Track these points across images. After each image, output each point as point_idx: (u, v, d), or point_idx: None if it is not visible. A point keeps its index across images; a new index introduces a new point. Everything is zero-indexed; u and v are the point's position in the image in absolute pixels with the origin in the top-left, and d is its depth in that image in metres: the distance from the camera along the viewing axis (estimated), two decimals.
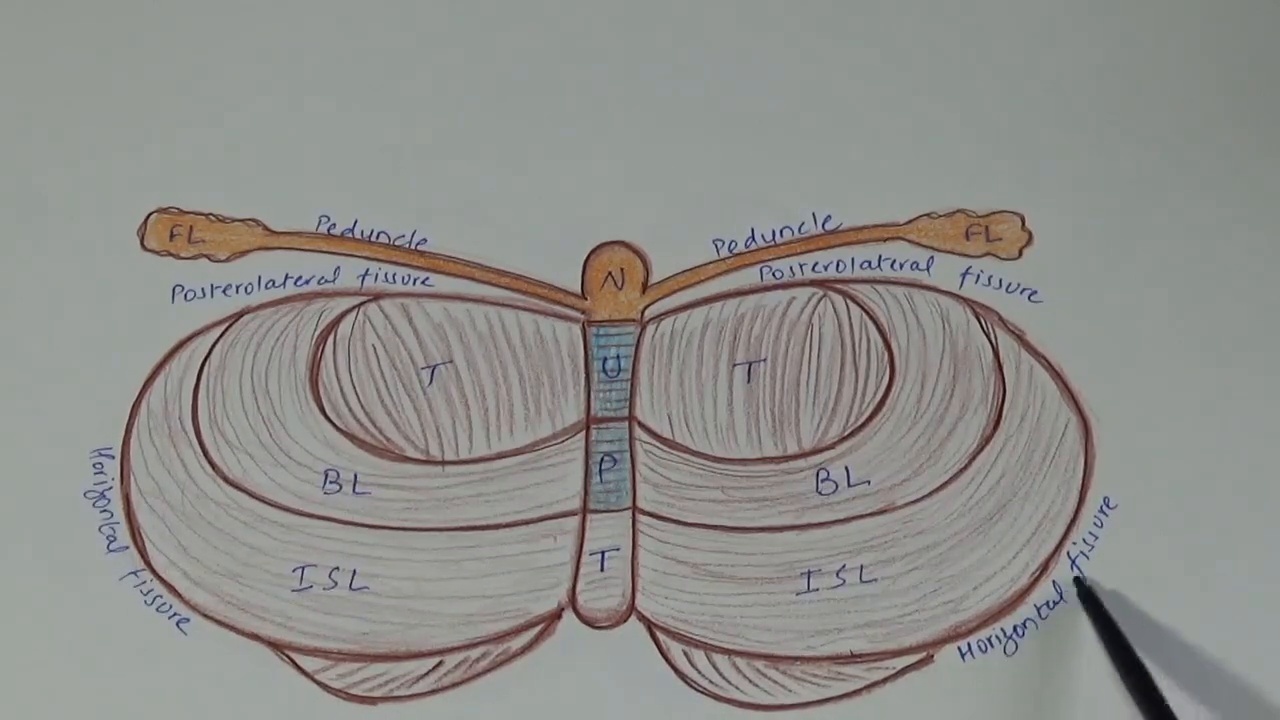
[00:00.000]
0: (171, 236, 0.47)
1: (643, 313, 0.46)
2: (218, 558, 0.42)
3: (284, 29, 0.52)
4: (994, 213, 0.47)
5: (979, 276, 0.46)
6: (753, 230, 0.47)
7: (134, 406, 0.44)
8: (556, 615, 0.41)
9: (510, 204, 0.48)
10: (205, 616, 0.41)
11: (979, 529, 0.42)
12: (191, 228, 0.47)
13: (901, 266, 0.46)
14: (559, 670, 0.40)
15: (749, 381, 0.44)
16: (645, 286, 0.46)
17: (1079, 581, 0.41)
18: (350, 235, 0.47)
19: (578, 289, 0.46)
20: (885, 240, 0.47)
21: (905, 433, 0.43)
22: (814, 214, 0.47)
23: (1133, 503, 0.42)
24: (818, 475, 0.43)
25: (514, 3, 0.52)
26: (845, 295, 0.46)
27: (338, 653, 0.40)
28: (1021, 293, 0.46)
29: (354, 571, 0.42)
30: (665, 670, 0.40)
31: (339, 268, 0.47)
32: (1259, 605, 0.40)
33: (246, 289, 0.46)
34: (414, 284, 0.46)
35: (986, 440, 0.43)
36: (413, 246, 0.47)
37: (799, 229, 0.47)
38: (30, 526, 0.42)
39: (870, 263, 0.46)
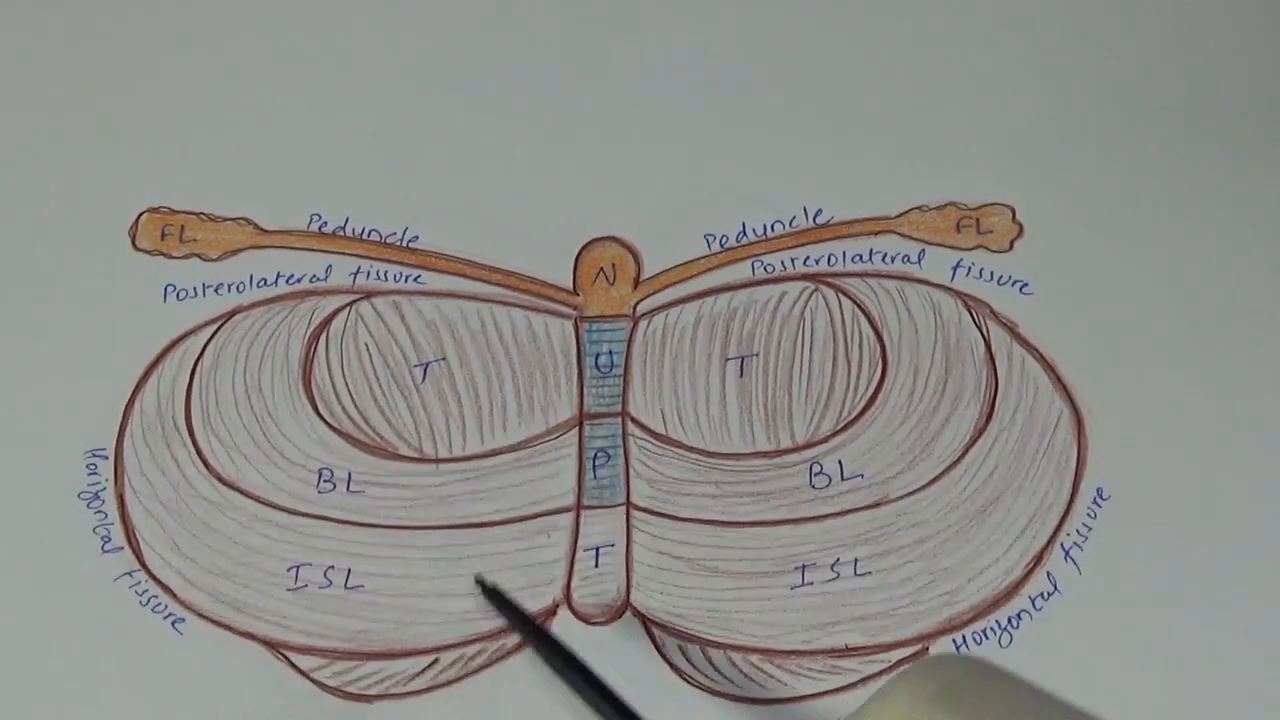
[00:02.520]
0: (163, 236, 0.47)
1: (634, 308, 0.46)
2: (212, 557, 0.42)
3: (275, 28, 0.52)
4: (985, 205, 0.47)
5: (970, 269, 0.46)
6: (744, 225, 0.47)
7: (127, 407, 0.44)
8: (551, 611, 0.41)
9: (501, 201, 0.48)
10: (201, 616, 0.41)
11: (973, 521, 0.42)
12: (183, 227, 0.47)
13: (893, 260, 0.46)
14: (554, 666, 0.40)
15: (741, 376, 0.44)
16: (637, 282, 0.46)
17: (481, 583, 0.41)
18: (341, 233, 0.47)
19: (569, 285, 0.46)
20: (876, 234, 0.47)
21: (898, 426, 0.43)
22: (805, 208, 0.47)
23: (1126, 494, 0.42)
24: (811, 469, 0.43)
25: (504, 1, 0.52)
26: (837, 289, 0.46)
27: (333, 651, 0.40)
28: (1013, 285, 0.46)
29: (349, 570, 0.42)
30: (661, 665, 0.40)
31: (330, 266, 0.47)
32: (1255, 597, 0.40)
33: (238, 288, 0.46)
34: (406, 281, 0.46)
35: (979, 433, 0.43)
36: (404, 244, 0.47)
37: (790, 223, 0.47)
38: (24, 528, 0.42)
39: (861, 256, 0.46)
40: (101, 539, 0.42)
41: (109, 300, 0.46)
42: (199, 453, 0.43)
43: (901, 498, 0.42)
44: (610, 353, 0.45)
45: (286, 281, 0.46)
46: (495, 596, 0.40)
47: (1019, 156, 0.48)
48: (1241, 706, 0.39)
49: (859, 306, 0.45)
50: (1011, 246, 0.46)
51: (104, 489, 0.43)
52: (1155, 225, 0.47)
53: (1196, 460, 0.43)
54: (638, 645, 0.41)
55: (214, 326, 0.45)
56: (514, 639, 0.40)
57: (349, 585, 0.41)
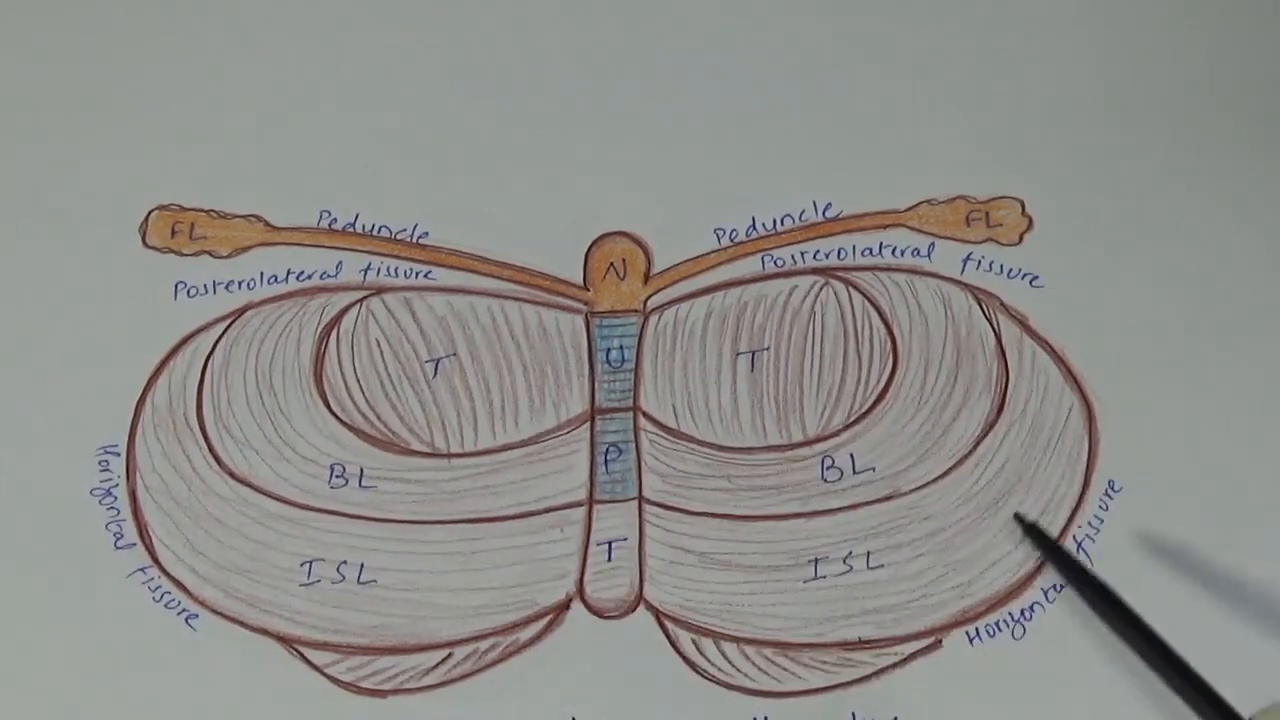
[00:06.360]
0: (173, 233, 0.47)
1: (645, 303, 0.46)
2: (225, 553, 0.42)
3: (284, 25, 0.52)
4: (994, 198, 0.47)
5: (980, 262, 0.46)
6: (754, 219, 0.47)
7: (139, 403, 0.44)
8: (565, 606, 0.41)
9: (511, 196, 0.48)
10: (214, 612, 0.41)
11: (984, 514, 0.42)
12: (193, 224, 0.47)
13: (903, 253, 0.46)
14: (568, 661, 0.40)
15: (752, 370, 0.44)
16: (647, 277, 0.46)
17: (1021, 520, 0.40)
18: (352, 230, 0.47)
19: (580, 280, 0.46)
20: (886, 227, 0.47)
21: (909, 419, 0.44)
22: (814, 202, 0.47)
23: (1137, 486, 0.42)
24: (823, 463, 0.43)
25: None
26: (847, 283, 0.46)
27: (347, 646, 0.41)
28: (1023, 278, 0.46)
29: (361, 565, 0.42)
30: (674, 659, 0.40)
31: (341, 262, 0.47)
32: (1264, 587, 0.40)
33: (249, 285, 0.46)
34: (416, 278, 0.46)
35: (990, 426, 0.43)
36: (414, 240, 0.47)
37: (800, 217, 0.47)
38: (36, 525, 0.42)
39: (871, 250, 0.46)
40: (114, 535, 0.42)
41: (120, 298, 0.46)
42: (211, 449, 0.43)
43: (913, 491, 0.42)
44: (621, 348, 0.45)
45: (297, 278, 0.46)
46: (1035, 534, 0.39)
47: (1028, 149, 0.48)
48: (1255, 698, 0.39)
49: (869, 300, 0.45)
50: (1021, 239, 0.47)
51: (116, 485, 0.43)
52: (1165, 217, 0.47)
53: (1207, 451, 0.43)
54: (651, 639, 0.41)
55: (225, 323, 0.45)
56: (528, 633, 0.41)
57: (361, 580, 0.41)
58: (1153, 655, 0.36)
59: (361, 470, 0.43)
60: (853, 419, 0.44)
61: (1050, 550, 0.39)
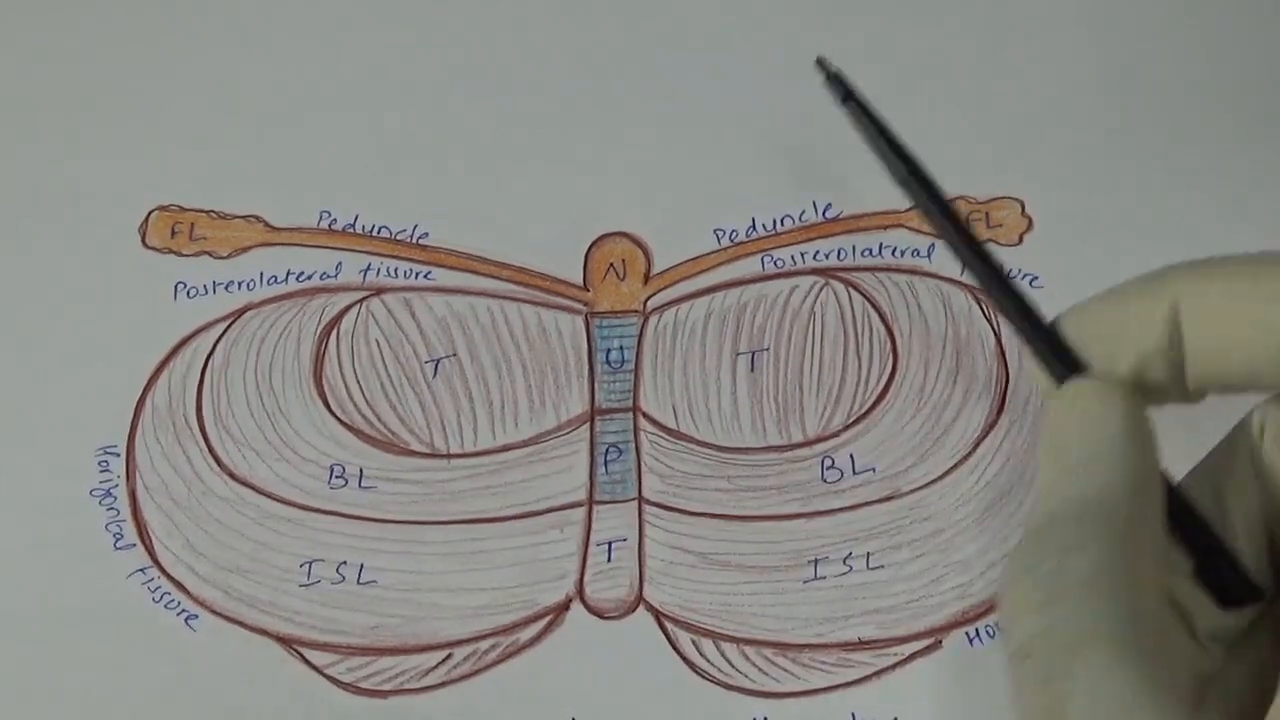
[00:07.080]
0: (173, 234, 0.47)
1: (645, 304, 0.46)
2: (225, 554, 0.42)
3: (284, 25, 0.52)
4: (994, 199, 0.47)
5: None
6: (754, 220, 0.47)
7: (138, 404, 0.44)
8: (564, 606, 0.41)
9: (511, 197, 0.48)
10: (214, 613, 0.41)
11: (985, 514, 0.42)
12: (193, 225, 0.47)
13: (903, 254, 0.46)
14: (568, 661, 0.40)
15: (752, 371, 0.44)
16: (647, 277, 0.46)
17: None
18: (351, 230, 0.47)
19: (579, 281, 0.46)
20: (886, 228, 0.47)
21: (909, 419, 0.44)
22: (814, 202, 0.47)
23: None
24: (823, 463, 0.43)
25: None
26: (847, 283, 0.46)
27: (347, 647, 0.41)
28: (1023, 279, 0.46)
29: (361, 566, 0.42)
30: (674, 659, 0.40)
31: (341, 263, 0.47)
32: None
33: (249, 285, 0.46)
34: (416, 278, 0.46)
35: (991, 426, 0.43)
36: (414, 241, 0.47)
37: (799, 218, 0.47)
38: (36, 526, 0.42)
39: (871, 250, 0.46)
40: (114, 536, 0.42)
41: (119, 298, 0.46)
42: (210, 449, 0.43)
43: (913, 491, 0.42)
44: (621, 348, 0.45)
45: (297, 279, 0.46)
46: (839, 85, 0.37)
47: (1028, 150, 0.48)
48: None
49: (869, 300, 0.45)
50: (1021, 240, 0.47)
51: (116, 486, 0.43)
52: (1165, 217, 0.47)
53: (1206, 451, 0.43)
54: (651, 639, 0.41)
55: (225, 324, 0.45)
56: (528, 633, 0.41)
57: (361, 581, 0.41)
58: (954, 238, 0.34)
59: (361, 471, 0.43)
60: (853, 419, 0.44)
61: (856, 106, 0.37)
